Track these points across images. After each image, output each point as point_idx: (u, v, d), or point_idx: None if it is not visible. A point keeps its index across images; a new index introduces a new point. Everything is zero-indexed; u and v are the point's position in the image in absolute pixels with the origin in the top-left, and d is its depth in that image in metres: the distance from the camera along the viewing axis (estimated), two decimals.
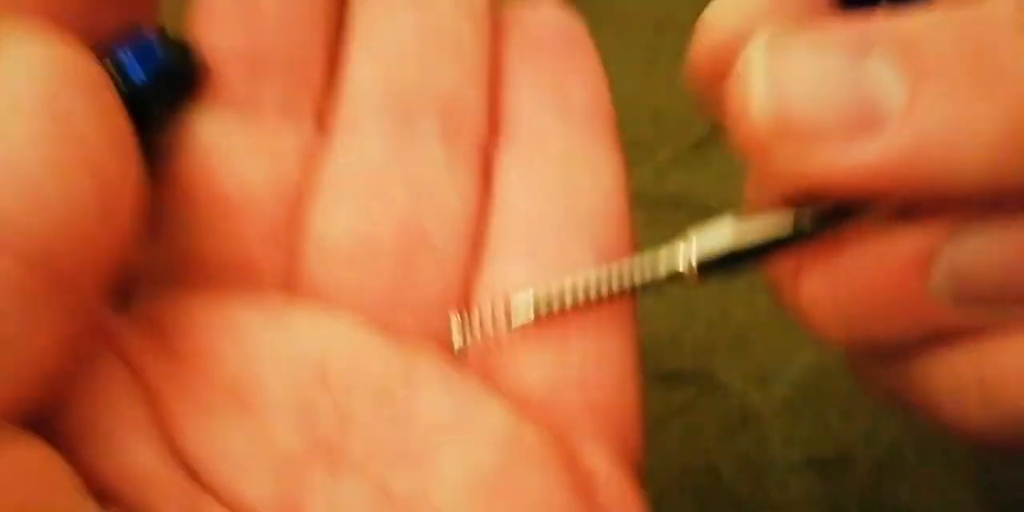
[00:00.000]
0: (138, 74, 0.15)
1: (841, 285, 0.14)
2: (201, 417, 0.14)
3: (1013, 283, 0.13)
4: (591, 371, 0.16)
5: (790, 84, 0.12)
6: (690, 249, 0.15)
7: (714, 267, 0.15)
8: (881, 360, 0.15)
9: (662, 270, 0.15)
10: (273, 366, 0.15)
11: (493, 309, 0.15)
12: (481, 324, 0.15)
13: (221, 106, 0.16)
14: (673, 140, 0.40)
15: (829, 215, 0.14)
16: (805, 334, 0.35)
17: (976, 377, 0.13)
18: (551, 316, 0.15)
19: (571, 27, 0.19)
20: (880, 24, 0.12)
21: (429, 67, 0.17)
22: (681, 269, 0.15)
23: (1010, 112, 0.11)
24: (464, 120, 0.17)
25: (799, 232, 0.14)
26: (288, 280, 0.16)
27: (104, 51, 0.15)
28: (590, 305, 0.16)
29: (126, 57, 0.15)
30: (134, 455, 0.13)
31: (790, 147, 0.12)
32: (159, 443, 0.13)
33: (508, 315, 0.15)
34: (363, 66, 0.17)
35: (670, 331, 0.35)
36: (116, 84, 0.14)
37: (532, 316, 0.15)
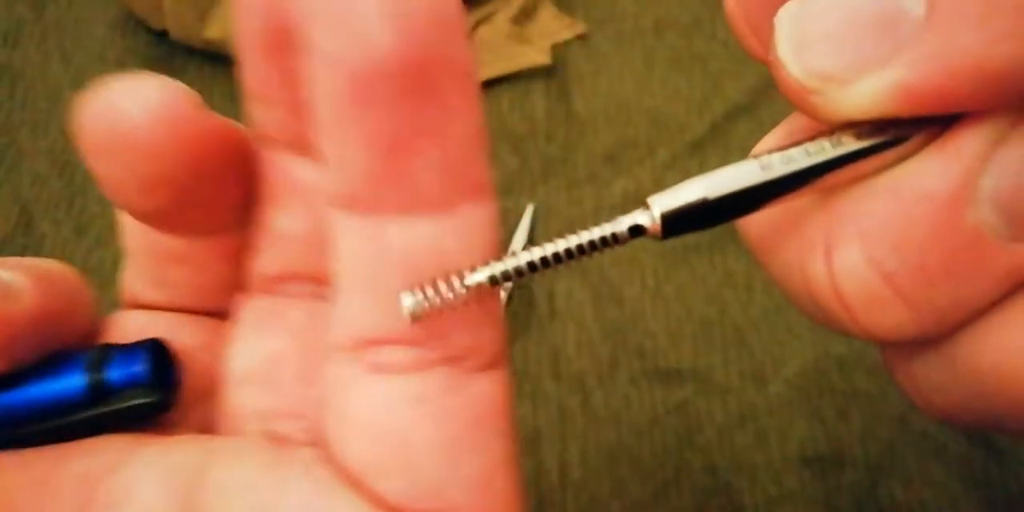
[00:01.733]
0: (114, 391, 0.15)
1: (879, 245, 0.12)
2: None
3: None
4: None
5: (813, 37, 0.12)
6: (653, 203, 0.13)
7: (679, 221, 0.14)
8: (940, 346, 0.13)
9: (625, 225, 0.14)
10: (151, 474, 0.14)
11: (447, 276, 0.14)
12: (436, 289, 0.13)
13: None
14: (670, 141, 0.41)
15: (872, 139, 0.12)
16: (801, 333, 0.36)
17: None
18: (509, 278, 0.14)
19: None
20: None
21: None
22: (642, 222, 0.14)
23: None
24: None
25: (775, 178, 0.13)
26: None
27: (97, 360, 0.15)
28: (550, 266, 0.14)
29: (113, 376, 0.15)
30: None
31: (823, 95, 0.12)
32: None
33: (461, 278, 0.13)
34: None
35: (668, 330, 0.35)
36: (93, 391, 0.14)
37: (486, 279, 0.13)
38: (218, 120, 0.14)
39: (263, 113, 0.14)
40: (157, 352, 0.15)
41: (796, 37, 0.12)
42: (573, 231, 0.14)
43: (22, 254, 0.38)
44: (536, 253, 0.14)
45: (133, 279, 0.16)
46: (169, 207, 0.14)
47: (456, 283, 0.13)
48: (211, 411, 0.16)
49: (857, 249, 0.12)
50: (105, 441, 0.15)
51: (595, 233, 0.14)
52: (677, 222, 0.13)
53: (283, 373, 0.16)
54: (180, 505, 0.14)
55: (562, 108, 0.42)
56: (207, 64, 0.42)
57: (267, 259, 0.15)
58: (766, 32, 0.13)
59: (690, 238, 0.14)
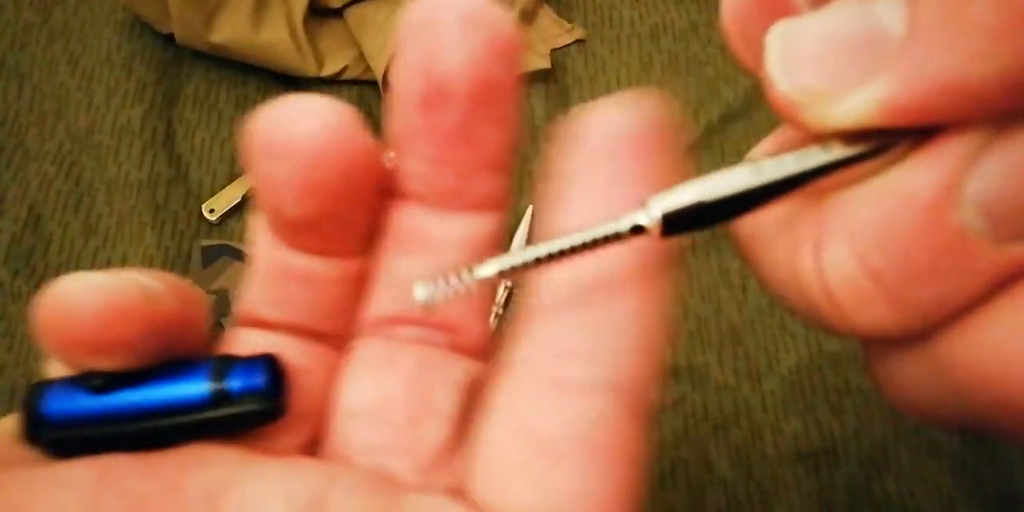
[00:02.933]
0: (233, 397, 0.16)
1: (866, 243, 0.13)
2: None
3: None
4: (579, 503, 0.14)
5: (800, 56, 0.13)
6: (653, 203, 0.14)
7: (679, 221, 0.14)
8: (922, 344, 0.13)
9: (626, 224, 0.14)
10: (274, 490, 0.14)
11: (459, 271, 0.15)
12: (447, 280, 0.14)
13: None
14: None
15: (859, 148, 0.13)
16: (795, 331, 0.36)
17: None
18: (515, 272, 0.15)
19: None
20: None
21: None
22: (643, 222, 0.14)
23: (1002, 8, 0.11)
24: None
25: (773, 181, 0.14)
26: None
27: (220, 370, 0.16)
28: (554, 262, 0.15)
29: (235, 385, 0.16)
30: None
31: (811, 110, 0.13)
32: None
33: (471, 271, 0.14)
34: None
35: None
36: (211, 401, 0.15)
37: (495, 273, 0.14)
38: (372, 140, 0.15)
39: (405, 162, 0.15)
40: (273, 365, 0.16)
41: (785, 56, 0.13)
42: (578, 229, 0.15)
43: (30, 254, 0.38)
44: (542, 249, 0.15)
45: (254, 296, 0.17)
46: (315, 217, 0.15)
47: (466, 276, 0.14)
48: (311, 436, 0.17)
49: (845, 246, 0.13)
50: (217, 453, 0.15)
51: (598, 231, 0.14)
52: (675, 222, 0.14)
53: (394, 412, 0.16)
54: None
55: (561, 111, 0.42)
56: (213, 68, 0.42)
57: (384, 301, 0.16)
58: (759, 48, 0.14)
59: (685, 238, 0.15)
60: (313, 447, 0.17)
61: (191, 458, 0.15)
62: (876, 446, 0.34)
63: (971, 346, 0.13)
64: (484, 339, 0.17)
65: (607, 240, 0.15)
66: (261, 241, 0.16)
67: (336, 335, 0.17)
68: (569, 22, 0.45)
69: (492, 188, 0.16)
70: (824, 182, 0.13)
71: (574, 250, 0.15)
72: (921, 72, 0.12)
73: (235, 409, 0.16)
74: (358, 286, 0.17)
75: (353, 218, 0.16)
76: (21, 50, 0.44)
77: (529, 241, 0.38)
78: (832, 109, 0.13)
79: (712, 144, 0.41)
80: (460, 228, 0.16)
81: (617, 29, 0.45)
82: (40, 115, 0.42)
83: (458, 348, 0.17)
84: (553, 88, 0.43)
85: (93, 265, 0.38)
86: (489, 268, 0.14)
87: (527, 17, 0.45)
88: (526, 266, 0.15)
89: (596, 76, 0.44)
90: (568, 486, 0.14)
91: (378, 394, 0.17)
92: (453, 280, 0.15)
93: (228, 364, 0.16)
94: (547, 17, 0.46)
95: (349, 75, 0.42)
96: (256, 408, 0.16)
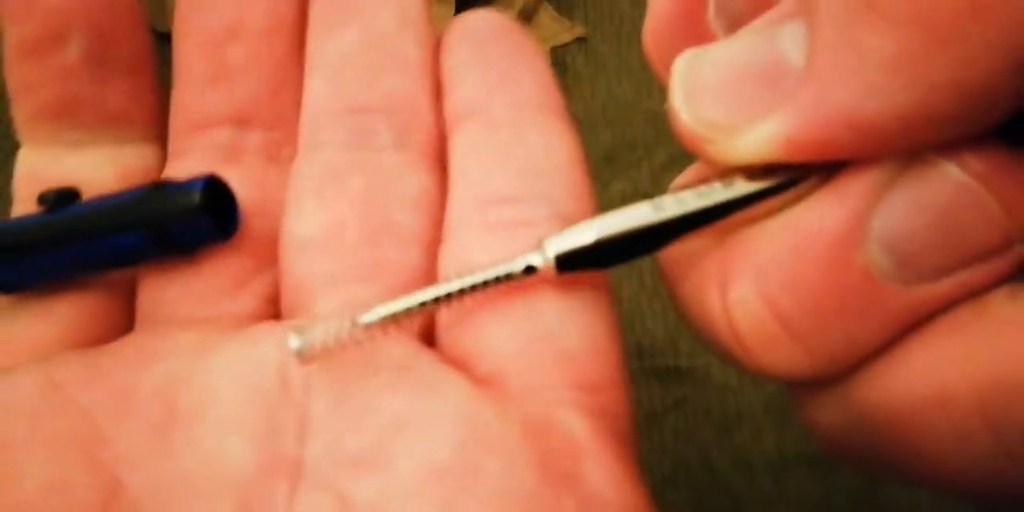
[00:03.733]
0: (177, 236, 0.16)
1: (772, 283, 0.12)
2: (144, 441, 0.14)
3: (954, 236, 0.11)
4: (562, 328, 0.15)
5: (702, 88, 0.13)
6: (548, 245, 0.14)
7: (574, 260, 0.14)
8: (834, 386, 0.13)
9: (520, 265, 0.14)
10: (230, 375, 0.14)
11: (340, 317, 0.14)
12: (327, 327, 0.14)
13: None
14: (670, 142, 0.41)
15: (766, 182, 0.13)
16: None
17: (965, 379, 0.11)
18: (401, 318, 0.14)
19: (510, 26, 0.19)
20: None
21: (375, 77, 0.18)
22: (535, 263, 0.14)
23: (903, 40, 0.10)
24: (415, 122, 0.18)
25: (670, 218, 0.13)
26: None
27: (153, 194, 0.16)
28: (444, 304, 0.14)
29: (172, 226, 0.16)
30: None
31: (714, 144, 0.13)
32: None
33: (355, 319, 0.14)
34: (316, 82, 0.18)
35: (665, 329, 0.35)
36: (154, 230, 0.16)
37: (379, 318, 0.14)
38: None
39: None
40: (214, 183, 0.17)
41: (687, 87, 0.13)
42: (474, 270, 0.14)
43: None
44: (430, 293, 0.14)
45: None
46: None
47: (347, 323, 0.14)
48: (263, 259, 0.17)
49: (751, 285, 0.12)
50: (170, 342, 0.15)
51: (490, 272, 0.14)
52: (572, 262, 0.14)
53: (347, 236, 0.16)
54: (265, 409, 0.14)
55: None
56: None
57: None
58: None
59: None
60: (264, 272, 0.17)
61: (143, 351, 0.15)
62: None
63: (879, 389, 0.12)
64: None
65: (499, 280, 0.14)
66: None
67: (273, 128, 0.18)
68: (570, 20, 0.45)
69: None
70: (729, 220, 0.13)
71: (463, 292, 0.14)
72: (819, 106, 0.11)
73: (179, 224, 0.16)
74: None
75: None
76: None
77: None
78: (733, 143, 0.12)
79: None
80: None
81: (618, 26, 0.45)
82: None
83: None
84: None
85: None
86: (373, 314, 0.14)
87: (527, 15, 0.45)
88: (411, 311, 0.14)
89: (597, 74, 0.43)
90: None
91: (327, 218, 0.17)
92: (333, 327, 0.14)
93: (169, 184, 0.16)
94: (547, 15, 0.45)
95: None
96: (199, 223, 0.16)
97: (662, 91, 0.14)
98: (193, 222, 0.16)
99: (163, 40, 0.47)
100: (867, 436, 0.13)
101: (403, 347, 0.15)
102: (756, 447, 0.33)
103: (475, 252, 0.16)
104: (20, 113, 0.18)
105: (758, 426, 0.33)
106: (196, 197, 0.16)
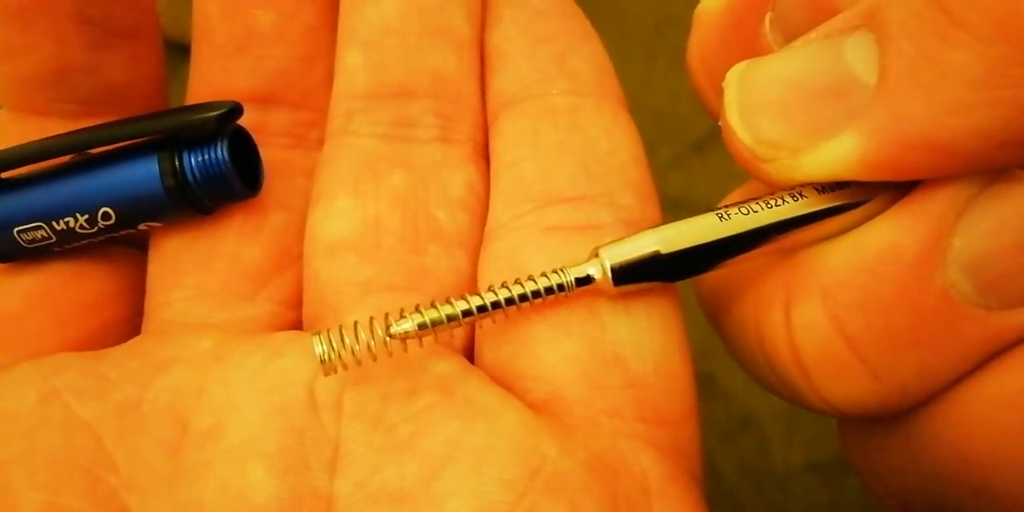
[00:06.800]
0: (195, 177, 0.15)
1: (842, 304, 0.11)
2: (153, 464, 0.12)
3: None
4: (629, 349, 0.13)
5: (761, 105, 0.12)
6: (605, 255, 0.13)
7: (633, 272, 0.13)
8: (901, 420, 0.12)
9: (572, 275, 0.13)
10: (250, 390, 0.13)
11: (371, 324, 0.12)
12: (356, 336, 0.12)
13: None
14: (673, 140, 0.40)
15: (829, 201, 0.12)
16: None
17: None
18: (437, 329, 0.12)
19: (565, 0, 0.17)
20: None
21: (417, 53, 0.16)
22: (592, 273, 0.13)
23: (988, 59, 0.09)
24: (461, 109, 0.16)
25: (738, 234, 0.12)
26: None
27: (172, 144, 0.15)
28: (488, 315, 0.13)
29: (189, 162, 0.15)
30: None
31: (775, 164, 0.12)
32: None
33: (387, 327, 0.12)
34: (350, 56, 0.16)
35: None
36: (173, 177, 0.14)
37: (414, 327, 0.12)
38: None
39: None
40: (239, 138, 0.15)
41: (744, 103, 0.12)
42: (522, 278, 0.13)
43: None
44: (474, 302, 0.13)
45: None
46: None
47: (379, 331, 0.12)
48: (287, 226, 0.16)
49: (819, 306, 0.11)
50: (181, 348, 0.14)
51: (542, 282, 0.13)
52: (631, 274, 0.13)
53: (385, 238, 0.15)
54: (290, 432, 0.12)
55: None
56: None
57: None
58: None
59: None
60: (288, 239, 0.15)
61: (151, 358, 0.14)
62: None
63: (952, 426, 0.11)
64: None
65: (550, 292, 0.13)
66: None
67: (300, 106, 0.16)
68: None
69: None
70: (796, 236, 0.12)
71: (511, 303, 0.13)
72: (895, 125, 0.10)
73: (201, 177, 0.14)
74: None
75: None
76: None
77: None
78: (797, 163, 0.12)
79: (718, 140, 0.40)
80: None
81: (621, 21, 0.44)
82: None
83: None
84: None
85: None
86: (407, 323, 0.12)
87: None
88: (450, 322, 0.12)
89: None
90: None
91: (361, 216, 0.15)
92: (363, 335, 0.12)
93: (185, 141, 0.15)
94: None
95: None
96: (217, 151, 0.14)
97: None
98: (212, 150, 0.14)
99: (179, 51, 0.46)
100: (934, 478, 0.11)
101: (447, 364, 0.13)
102: (763, 455, 0.32)
103: (528, 257, 0.14)
104: (5, 78, 0.15)
105: (765, 433, 0.33)
106: (215, 118, 0.14)
